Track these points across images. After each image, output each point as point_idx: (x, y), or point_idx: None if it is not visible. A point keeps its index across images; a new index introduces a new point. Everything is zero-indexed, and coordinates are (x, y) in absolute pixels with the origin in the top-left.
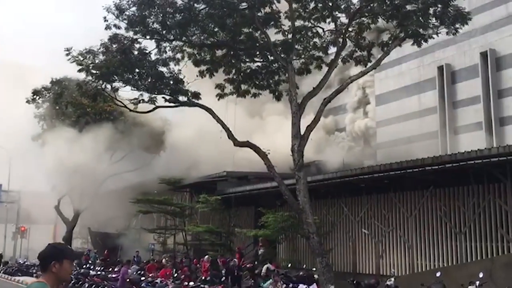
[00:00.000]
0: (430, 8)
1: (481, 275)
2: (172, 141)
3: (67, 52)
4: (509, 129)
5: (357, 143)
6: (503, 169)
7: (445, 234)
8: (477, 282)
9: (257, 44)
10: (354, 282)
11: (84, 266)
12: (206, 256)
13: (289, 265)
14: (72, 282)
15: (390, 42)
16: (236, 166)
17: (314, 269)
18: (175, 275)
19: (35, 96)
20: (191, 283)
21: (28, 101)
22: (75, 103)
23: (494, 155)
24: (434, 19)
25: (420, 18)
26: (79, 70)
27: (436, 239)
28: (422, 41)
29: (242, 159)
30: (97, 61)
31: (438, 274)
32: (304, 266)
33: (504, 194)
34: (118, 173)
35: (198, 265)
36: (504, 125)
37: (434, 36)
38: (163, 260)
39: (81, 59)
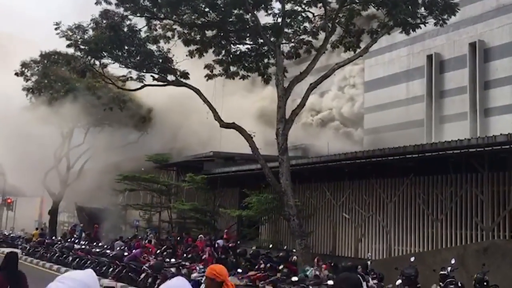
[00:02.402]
0: None
1: (453, 261)
2: (161, 119)
3: (56, 26)
4: (493, 120)
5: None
6: (481, 160)
7: (422, 221)
8: (449, 268)
9: (247, 26)
10: (332, 264)
11: (69, 240)
12: (200, 236)
13: (271, 246)
14: (56, 255)
15: (379, 29)
16: (225, 146)
17: (294, 250)
18: (157, 251)
19: (23, 69)
20: (173, 260)
21: (16, 74)
22: (64, 78)
23: (473, 146)
24: (423, 8)
25: (409, 7)
26: (68, 45)
27: (413, 225)
28: (411, 30)
29: (230, 139)
30: (86, 37)
31: (412, 259)
32: (285, 247)
33: (481, 184)
34: (106, 149)
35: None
36: (488, 116)
37: (422, 25)
38: (148, 236)
39: (70, 34)
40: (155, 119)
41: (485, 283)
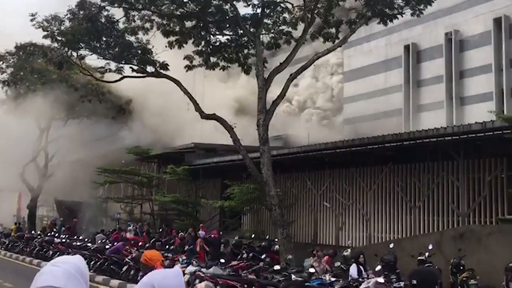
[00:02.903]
0: None
1: (430, 247)
2: (140, 111)
3: (32, 18)
4: (469, 108)
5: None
6: (457, 148)
7: (400, 208)
8: (426, 253)
9: (227, 17)
10: (313, 252)
11: (48, 234)
12: (181, 233)
13: (253, 235)
14: (36, 249)
15: (357, 20)
16: (206, 138)
17: (277, 239)
18: (140, 243)
19: None
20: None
21: None
22: (40, 70)
23: (448, 134)
24: None
25: None
26: (44, 36)
27: (392, 213)
28: (388, 21)
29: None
30: (63, 28)
31: (391, 246)
32: (268, 236)
33: (456, 171)
34: (85, 142)
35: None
36: (464, 105)
37: (400, 16)
38: (128, 228)
39: (47, 25)
40: (135, 111)
41: (461, 267)
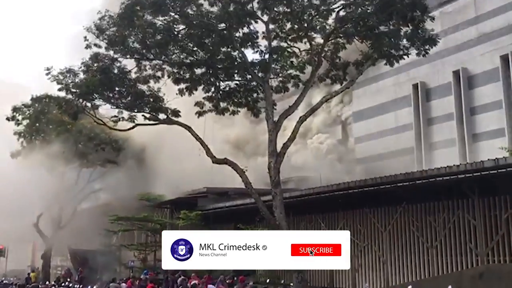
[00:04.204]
0: (401, 30)
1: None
2: (153, 157)
3: (47, 72)
4: (482, 145)
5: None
6: (471, 185)
7: (417, 249)
8: None
9: (235, 63)
10: None
11: (63, 284)
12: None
13: (268, 280)
14: None
15: (364, 61)
16: (218, 182)
17: (292, 284)
18: None
19: (14, 113)
20: None
21: (7, 118)
22: (56, 121)
23: (462, 172)
24: (405, 40)
25: (392, 39)
26: (59, 89)
27: (409, 254)
28: (394, 61)
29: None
30: (77, 80)
31: None
32: (283, 281)
33: (472, 209)
34: (98, 190)
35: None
36: (477, 141)
37: (406, 56)
38: (143, 276)
39: (61, 78)
40: (148, 157)
41: None
